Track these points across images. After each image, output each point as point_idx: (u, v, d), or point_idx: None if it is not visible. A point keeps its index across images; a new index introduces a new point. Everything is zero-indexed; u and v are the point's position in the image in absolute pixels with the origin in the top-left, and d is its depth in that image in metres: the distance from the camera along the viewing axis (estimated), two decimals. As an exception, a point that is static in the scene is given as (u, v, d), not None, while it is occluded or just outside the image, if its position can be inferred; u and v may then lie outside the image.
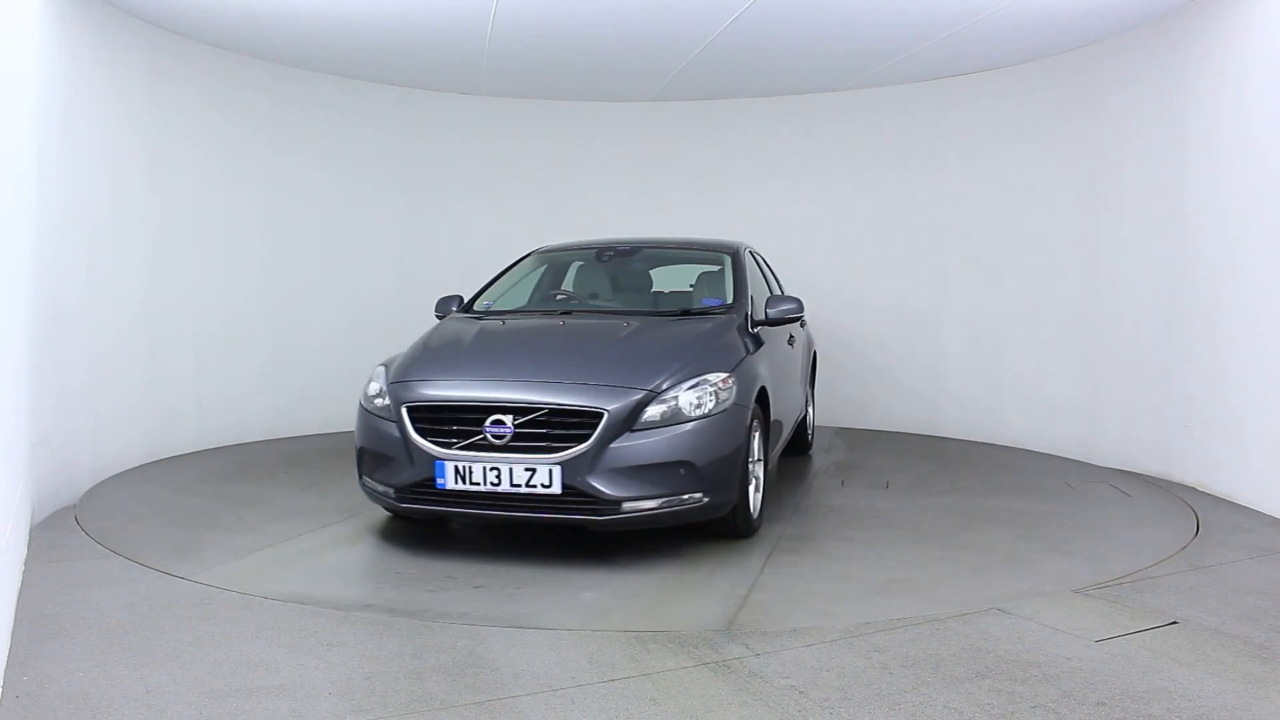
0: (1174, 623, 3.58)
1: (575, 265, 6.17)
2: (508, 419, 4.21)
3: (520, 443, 4.20)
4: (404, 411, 4.42)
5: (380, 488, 4.54)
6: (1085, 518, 5.14)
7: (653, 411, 4.25)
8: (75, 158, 5.56)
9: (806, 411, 6.86)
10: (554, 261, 6.18)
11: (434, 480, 4.27)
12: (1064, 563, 4.34)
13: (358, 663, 3.16)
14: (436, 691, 2.94)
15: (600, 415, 4.18)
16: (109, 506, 5.25)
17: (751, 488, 4.69)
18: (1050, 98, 7.12)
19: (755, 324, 5.23)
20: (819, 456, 7.05)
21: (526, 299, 5.82)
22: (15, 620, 3.48)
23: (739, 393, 4.49)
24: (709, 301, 5.47)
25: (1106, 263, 6.74)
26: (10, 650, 3.21)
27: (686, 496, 4.26)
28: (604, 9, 6.10)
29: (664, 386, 4.33)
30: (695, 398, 4.34)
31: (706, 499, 4.31)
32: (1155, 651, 3.30)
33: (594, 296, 5.86)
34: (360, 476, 4.72)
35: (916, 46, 6.85)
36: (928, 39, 6.66)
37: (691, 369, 4.45)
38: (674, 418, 4.27)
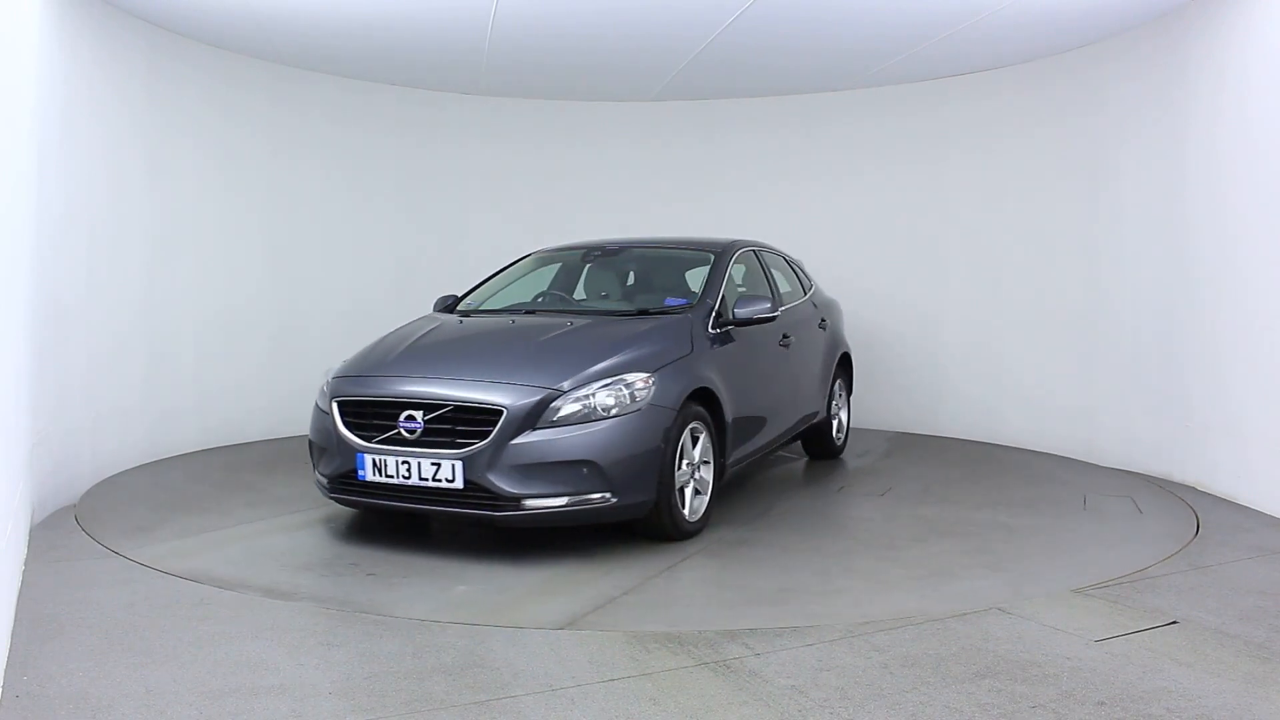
0: (1174, 623, 3.58)
1: (564, 265, 6.20)
2: (419, 414, 4.36)
3: (430, 438, 4.33)
4: (334, 406, 4.62)
5: (319, 478, 4.74)
6: (1066, 534, 4.88)
7: (558, 410, 4.29)
8: (75, 158, 5.56)
9: (828, 415, 6.70)
10: (547, 262, 6.24)
11: (356, 472, 4.45)
12: (983, 582, 4.08)
13: (358, 663, 3.16)
14: (436, 691, 2.94)
15: (500, 412, 4.25)
16: (109, 506, 5.25)
17: (689, 490, 4.68)
18: (1050, 98, 7.12)
19: (723, 324, 5.20)
20: (852, 460, 6.89)
21: (509, 298, 5.85)
22: (15, 620, 3.48)
23: (659, 394, 4.46)
24: (672, 301, 5.46)
25: (1106, 262, 6.74)
26: (10, 650, 3.21)
27: (593, 496, 4.27)
28: (604, 9, 6.11)
29: (572, 385, 4.36)
30: (604, 397, 4.35)
31: (615, 499, 4.30)
32: (1155, 651, 3.30)
33: (574, 296, 5.90)
34: (313, 468, 4.89)
35: (916, 46, 6.85)
36: (928, 39, 6.66)
37: (610, 368, 4.46)
38: (580, 416, 4.29)
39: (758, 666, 3.14)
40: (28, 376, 4.43)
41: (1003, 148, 7.48)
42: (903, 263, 8.06)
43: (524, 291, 5.98)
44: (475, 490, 4.24)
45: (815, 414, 6.49)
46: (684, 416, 4.57)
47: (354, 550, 4.52)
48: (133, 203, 6.27)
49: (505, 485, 4.19)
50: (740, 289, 5.92)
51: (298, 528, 4.90)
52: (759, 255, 6.21)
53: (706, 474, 4.82)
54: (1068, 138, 7.00)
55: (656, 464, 4.40)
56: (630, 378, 4.44)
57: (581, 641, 3.36)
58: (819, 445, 6.84)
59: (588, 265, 6.14)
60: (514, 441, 4.22)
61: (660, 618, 3.63)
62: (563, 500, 4.25)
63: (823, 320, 6.70)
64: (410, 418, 4.36)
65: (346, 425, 4.54)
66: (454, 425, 4.31)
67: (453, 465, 4.24)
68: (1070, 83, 6.96)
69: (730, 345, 5.21)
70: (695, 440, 4.73)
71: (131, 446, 6.27)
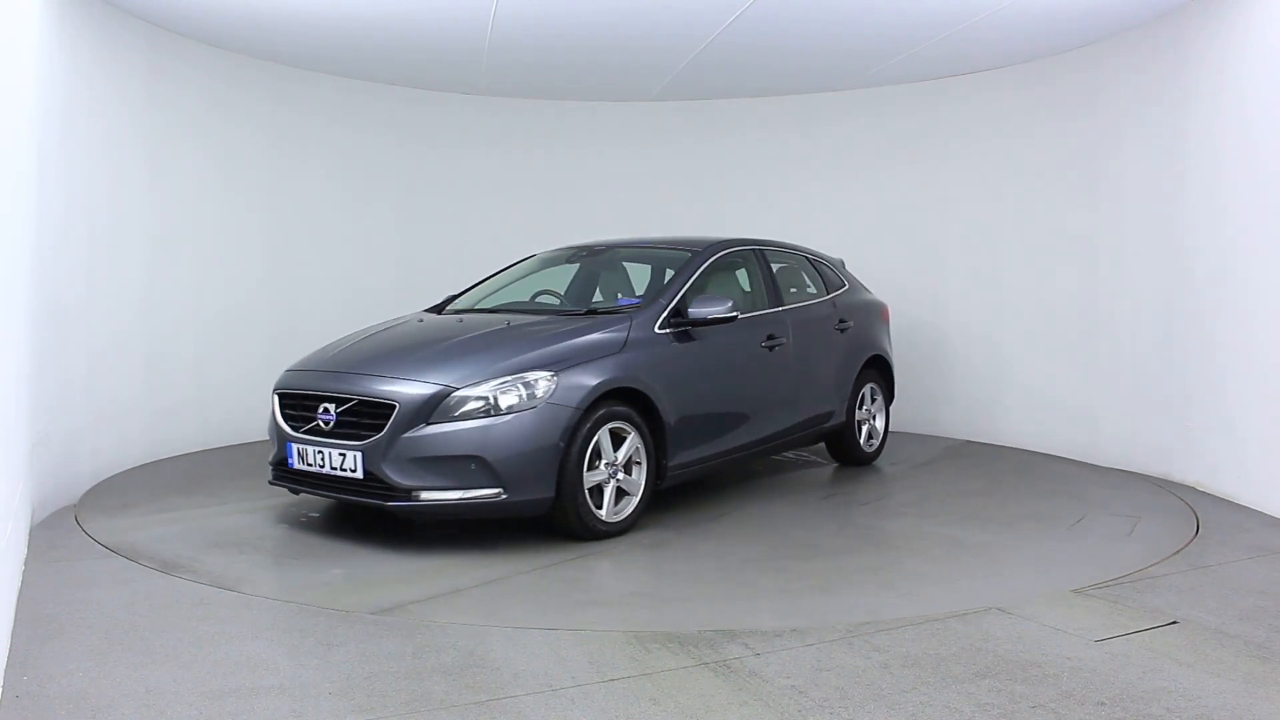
0: (1174, 623, 3.58)
1: (555, 266, 6.22)
2: (333, 407, 4.61)
3: (342, 429, 4.56)
4: (275, 398, 4.93)
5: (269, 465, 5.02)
6: (1009, 555, 4.53)
7: (454, 406, 4.41)
8: (75, 158, 5.56)
9: (848, 419, 6.43)
10: (547, 262, 6.28)
11: (287, 460, 4.74)
12: (862, 600, 3.88)
13: (358, 663, 3.16)
14: (436, 691, 2.94)
15: (393, 406, 4.42)
16: (109, 506, 5.25)
17: (609, 490, 4.70)
18: (1050, 97, 7.12)
19: (679, 325, 5.15)
20: (887, 467, 6.62)
21: (498, 299, 5.90)
22: (15, 620, 3.48)
23: (561, 392, 4.50)
24: (625, 300, 5.50)
25: (1106, 262, 6.74)
26: (10, 650, 3.21)
27: (484, 491, 4.38)
28: (604, 9, 6.10)
29: (469, 382, 4.46)
30: (501, 394, 4.44)
31: (505, 495, 4.39)
32: (1155, 651, 3.30)
33: (553, 297, 5.94)
34: None
35: (916, 46, 6.85)
36: (928, 39, 6.66)
37: (512, 366, 4.55)
38: (476, 413, 4.41)
39: (758, 666, 3.14)
40: (28, 376, 4.43)
41: (1003, 147, 7.48)
42: (903, 262, 8.06)
43: (516, 292, 6.00)
44: (373, 480, 4.42)
45: (827, 418, 6.28)
46: (601, 415, 4.61)
47: (281, 532, 4.82)
48: (133, 203, 6.26)
49: (397, 476, 4.36)
50: (743, 290, 5.90)
51: (251, 512, 5.18)
52: (761, 255, 6.14)
53: (638, 475, 4.83)
54: (1068, 138, 7.00)
55: (554, 461, 4.46)
56: (531, 376, 4.51)
57: (581, 641, 3.36)
58: (842, 451, 6.61)
59: (574, 266, 6.17)
60: (406, 435, 4.37)
61: (476, 612, 3.67)
62: (454, 494, 4.38)
63: (842, 321, 6.45)
64: (325, 410, 4.62)
65: (283, 416, 4.83)
66: (359, 418, 4.52)
67: (354, 456, 4.45)
68: (1070, 82, 6.96)
69: (686, 345, 5.17)
70: (621, 440, 4.75)
71: (131, 446, 6.27)
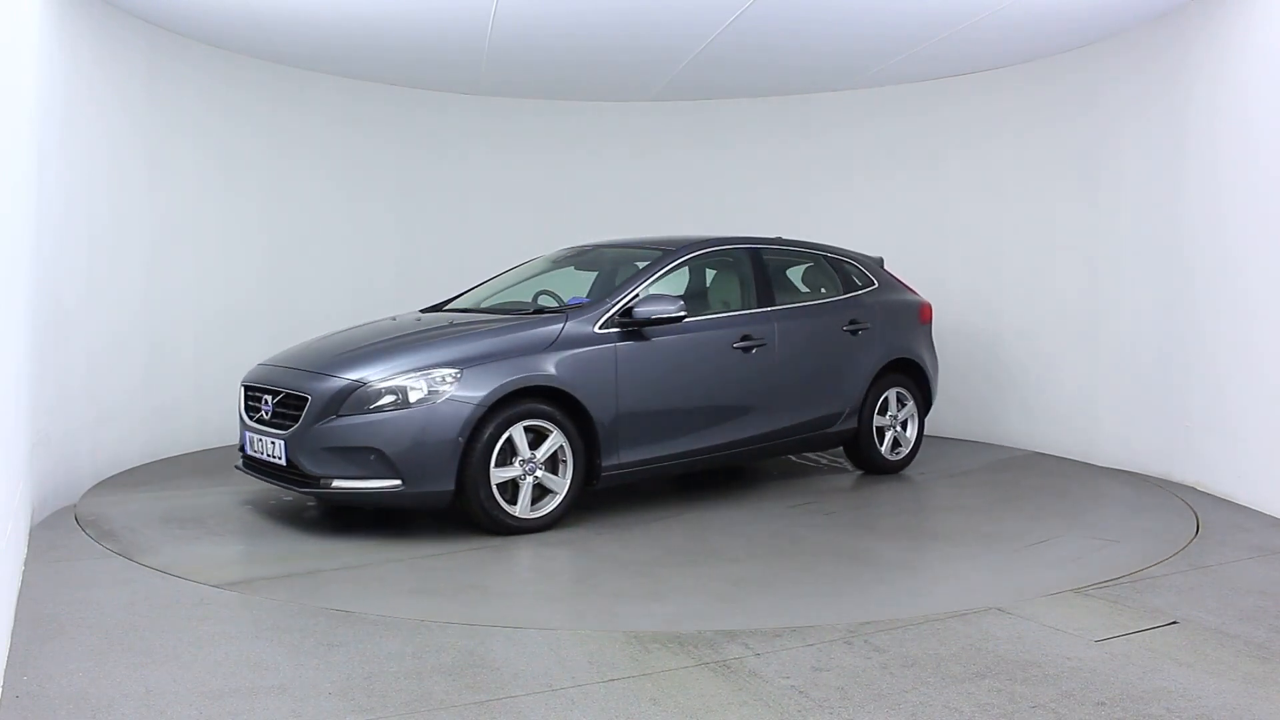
0: (1174, 623, 3.59)
1: (544, 269, 6.26)
2: (270, 400, 4.92)
3: (276, 420, 4.85)
4: (241, 390, 5.21)
5: None
6: (902, 574, 4.31)
7: (361, 399, 4.62)
8: (75, 158, 5.56)
9: (860, 425, 6.15)
10: (539, 262, 6.31)
11: (244, 448, 5.09)
12: (656, 606, 3.78)
13: (358, 663, 3.16)
14: (436, 691, 2.95)
15: (306, 399, 4.68)
16: (109, 506, 5.25)
17: (525, 485, 4.74)
18: (1049, 97, 7.12)
19: (626, 325, 5.11)
20: (916, 476, 6.35)
21: (489, 301, 5.94)
22: (15, 620, 3.48)
23: (463, 388, 4.62)
24: (574, 300, 5.58)
25: (1106, 262, 6.74)
26: (10, 650, 3.21)
27: (383, 482, 4.57)
28: (604, 9, 6.11)
29: (376, 377, 4.65)
30: (406, 389, 4.61)
31: (403, 486, 4.55)
32: (1155, 651, 3.31)
33: (551, 297, 5.96)
34: None
35: (916, 46, 6.85)
36: (928, 39, 6.66)
37: (420, 363, 4.70)
38: (379, 407, 4.60)
39: (758, 666, 3.14)
40: (28, 376, 4.43)
41: (1002, 148, 7.48)
42: (902, 263, 8.04)
43: (517, 294, 6.00)
44: (293, 468, 4.70)
45: (829, 423, 6.00)
46: (516, 413, 4.70)
47: (237, 513, 5.17)
48: (133, 203, 6.26)
49: (310, 465, 4.62)
50: (728, 290, 5.88)
51: (225, 494, 5.53)
52: (756, 254, 5.97)
53: (563, 474, 4.87)
54: (1067, 137, 7.00)
55: (452, 456, 4.56)
56: (436, 372, 4.66)
57: (581, 641, 3.36)
58: (858, 458, 6.35)
59: (575, 267, 6.17)
60: (317, 426, 4.62)
61: (297, 590, 3.90)
62: (359, 483, 4.60)
63: (854, 322, 6.16)
64: (265, 402, 4.93)
65: (245, 407, 5.13)
66: (287, 410, 4.79)
67: (279, 444, 4.74)
68: (1070, 83, 6.95)
69: (634, 345, 5.14)
70: (542, 438, 4.79)
71: (131, 446, 6.27)
